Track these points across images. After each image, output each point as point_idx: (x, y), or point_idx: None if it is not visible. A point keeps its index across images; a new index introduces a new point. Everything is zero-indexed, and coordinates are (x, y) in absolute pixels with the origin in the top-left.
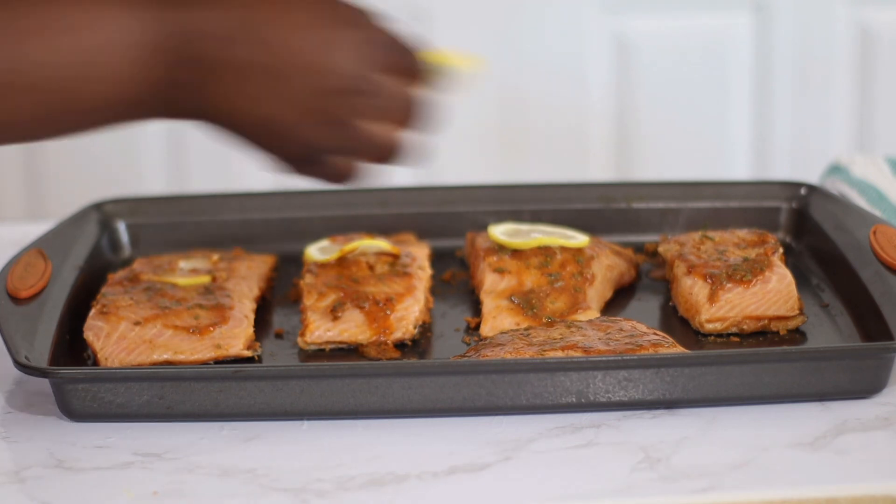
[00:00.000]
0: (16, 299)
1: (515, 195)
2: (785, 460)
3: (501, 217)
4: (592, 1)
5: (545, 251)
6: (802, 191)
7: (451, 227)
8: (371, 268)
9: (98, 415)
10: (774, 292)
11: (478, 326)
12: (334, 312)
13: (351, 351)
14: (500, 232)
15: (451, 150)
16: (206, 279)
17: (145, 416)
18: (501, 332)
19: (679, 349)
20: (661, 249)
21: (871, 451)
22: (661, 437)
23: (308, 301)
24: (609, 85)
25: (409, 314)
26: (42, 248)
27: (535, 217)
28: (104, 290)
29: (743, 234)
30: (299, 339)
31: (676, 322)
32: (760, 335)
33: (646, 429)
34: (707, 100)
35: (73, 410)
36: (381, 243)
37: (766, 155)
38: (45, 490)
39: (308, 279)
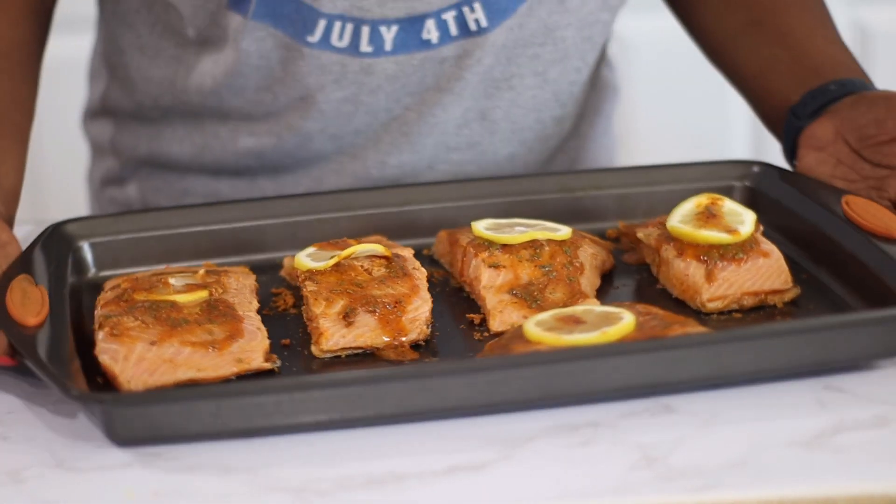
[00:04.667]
0: (26, 329)
1: (473, 191)
2: (782, 459)
3: (462, 213)
4: None
5: (533, 244)
6: (755, 168)
7: (413, 226)
8: (368, 272)
9: (150, 438)
10: (766, 267)
11: (482, 323)
12: (347, 318)
13: (367, 356)
14: (483, 227)
15: None
16: (204, 294)
17: (201, 435)
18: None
19: (703, 328)
20: (641, 235)
21: (869, 451)
22: (658, 436)
23: (317, 308)
24: None
25: (420, 314)
26: (27, 273)
27: (497, 211)
28: (101, 311)
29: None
30: (314, 348)
31: (671, 304)
32: (761, 309)
33: (643, 428)
34: (707, 100)
35: (123, 435)
36: (376, 246)
37: (765, 154)
38: (46, 490)
39: (310, 287)
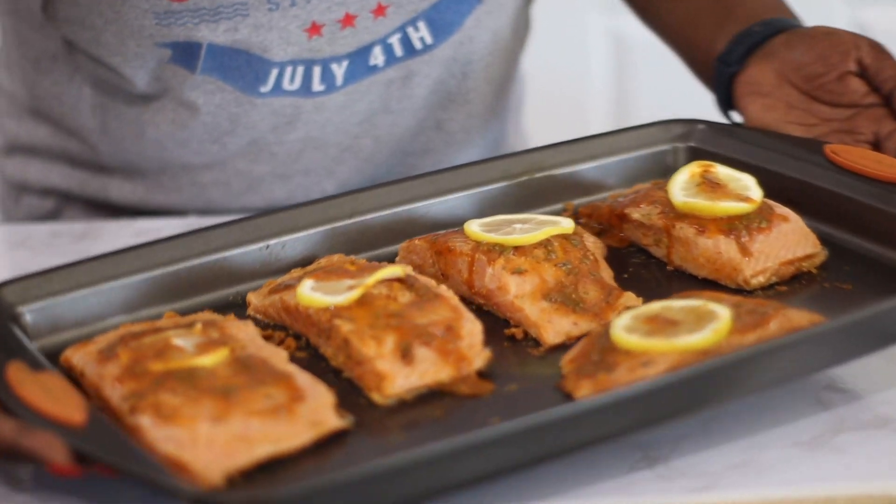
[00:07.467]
0: (77, 428)
1: (416, 191)
2: (783, 459)
3: (409, 216)
4: (593, 2)
5: (542, 242)
6: (700, 126)
7: (364, 238)
8: (393, 298)
9: None
10: (792, 232)
11: (527, 337)
12: (404, 356)
13: (435, 394)
14: (480, 230)
15: None
16: (225, 352)
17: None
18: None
19: (804, 310)
20: (637, 215)
21: (870, 451)
22: (659, 436)
23: (368, 350)
24: (609, 84)
25: (475, 338)
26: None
27: (444, 210)
28: (120, 390)
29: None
30: (375, 395)
31: (699, 285)
32: (801, 278)
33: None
34: (705, 99)
35: None
36: (395, 268)
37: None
38: (47, 489)
39: (346, 326)
